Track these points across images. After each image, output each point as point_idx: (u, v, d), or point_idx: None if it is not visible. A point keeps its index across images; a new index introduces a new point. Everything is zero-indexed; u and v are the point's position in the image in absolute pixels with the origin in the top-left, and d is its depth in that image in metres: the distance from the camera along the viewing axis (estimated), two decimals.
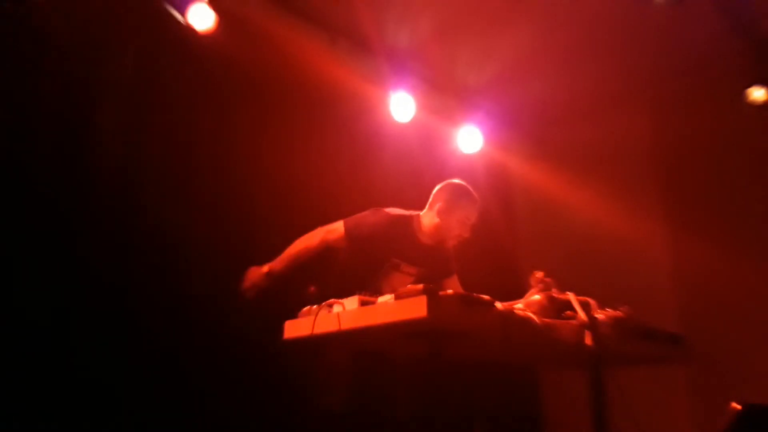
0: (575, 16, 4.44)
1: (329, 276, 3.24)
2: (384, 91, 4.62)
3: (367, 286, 2.85)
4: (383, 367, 3.31)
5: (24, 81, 3.24)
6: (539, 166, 5.89)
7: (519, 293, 2.96)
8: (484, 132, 5.28)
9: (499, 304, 2.64)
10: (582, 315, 2.65)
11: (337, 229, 3.20)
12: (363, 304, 2.51)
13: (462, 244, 3.33)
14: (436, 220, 3.22)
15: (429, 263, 3.27)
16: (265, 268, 3.18)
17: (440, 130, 5.32)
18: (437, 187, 3.30)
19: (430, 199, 3.28)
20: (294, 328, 2.75)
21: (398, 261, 3.21)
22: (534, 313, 2.67)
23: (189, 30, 3.72)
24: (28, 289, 3.06)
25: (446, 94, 5.31)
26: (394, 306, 2.39)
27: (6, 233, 3.05)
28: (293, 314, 2.84)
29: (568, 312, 2.73)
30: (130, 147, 3.59)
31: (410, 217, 3.27)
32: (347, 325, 2.51)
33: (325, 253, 3.24)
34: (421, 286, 2.34)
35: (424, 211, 3.29)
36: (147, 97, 3.71)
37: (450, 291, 2.41)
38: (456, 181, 3.31)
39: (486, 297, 2.53)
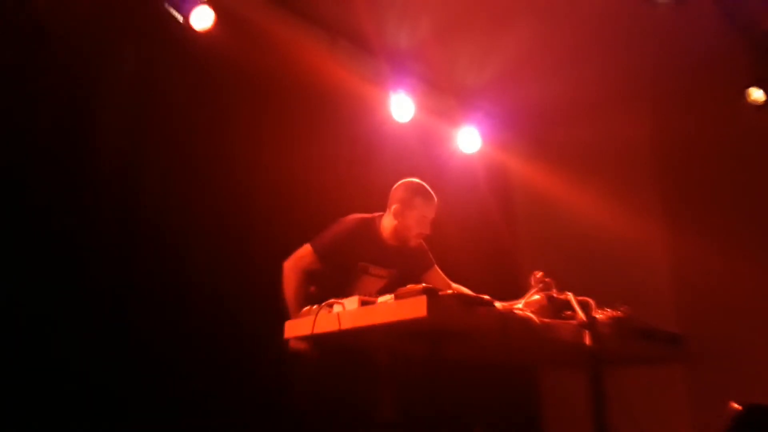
0: (575, 16, 4.45)
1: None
2: (384, 91, 4.62)
3: (340, 294, 2.81)
4: (383, 367, 3.31)
5: (24, 81, 3.24)
6: (539, 166, 5.89)
7: (519, 293, 2.96)
8: (483, 132, 5.28)
9: (499, 304, 2.64)
10: (581, 315, 2.65)
11: (306, 254, 3.15)
12: (363, 304, 2.51)
13: (449, 244, 3.32)
14: (394, 222, 3.21)
15: (399, 263, 3.26)
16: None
17: (440, 130, 5.32)
18: (393, 188, 3.29)
19: (389, 200, 3.27)
20: (294, 328, 2.75)
21: (366, 264, 3.19)
22: (533, 313, 2.68)
23: (189, 30, 3.72)
24: (28, 289, 3.06)
25: (446, 95, 5.31)
26: (394, 306, 2.39)
27: (6, 233, 3.05)
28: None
29: (568, 312, 2.73)
30: (130, 146, 3.59)
31: (373, 219, 3.27)
32: (347, 325, 2.51)
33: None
34: (421, 286, 2.35)
35: (385, 215, 3.28)
36: (147, 97, 3.71)
37: (450, 291, 2.41)
38: (410, 180, 3.30)
39: (486, 297, 2.53)
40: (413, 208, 3.20)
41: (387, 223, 3.25)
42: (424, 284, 2.35)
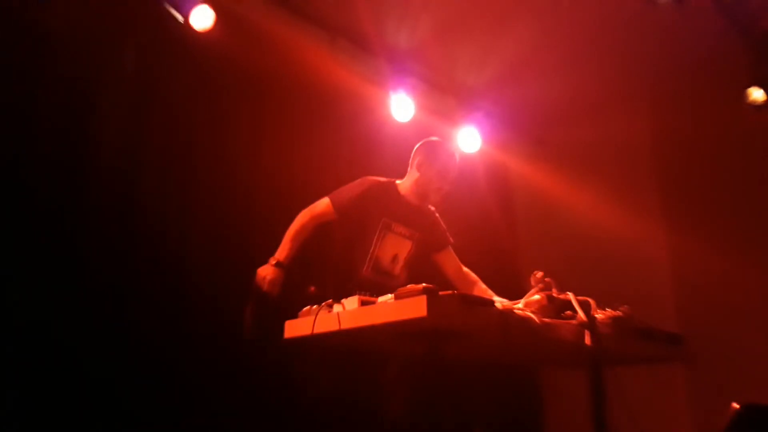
0: (575, 16, 4.44)
1: (329, 256, 3.30)
2: (384, 91, 4.62)
3: (364, 254, 3.09)
4: (382, 367, 3.31)
5: (24, 81, 3.24)
6: (539, 166, 5.90)
7: (519, 293, 2.96)
8: (483, 132, 5.28)
9: (499, 304, 2.64)
10: (581, 315, 2.65)
11: (322, 202, 3.25)
12: (363, 304, 2.51)
13: (449, 206, 3.46)
14: (417, 174, 3.32)
15: (419, 224, 3.36)
16: (272, 261, 3.14)
17: (440, 130, 5.31)
18: (415, 147, 3.40)
19: (410, 160, 3.38)
20: (294, 328, 2.75)
21: (388, 220, 3.26)
22: (534, 312, 2.67)
23: (189, 30, 3.72)
24: (27, 290, 3.06)
25: (446, 95, 5.31)
26: (394, 306, 2.39)
27: (5, 233, 3.05)
28: (293, 314, 2.84)
29: (568, 312, 2.73)
30: (130, 146, 3.59)
31: (390, 181, 3.38)
32: (347, 324, 2.51)
33: (319, 230, 3.27)
34: (421, 286, 2.35)
35: (406, 176, 3.40)
36: (147, 97, 3.71)
37: (450, 291, 2.41)
38: (432, 138, 3.44)
39: (486, 297, 2.53)
40: (437, 159, 3.31)
41: (408, 180, 3.36)
42: (424, 284, 2.35)
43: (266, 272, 3.11)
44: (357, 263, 3.21)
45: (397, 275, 3.32)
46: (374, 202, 3.24)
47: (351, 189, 3.28)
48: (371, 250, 3.22)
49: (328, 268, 3.26)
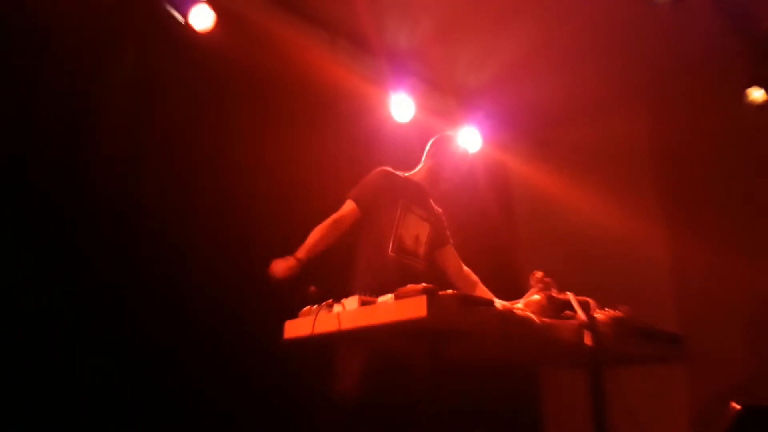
0: (575, 16, 4.45)
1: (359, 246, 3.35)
2: (384, 91, 4.62)
3: (388, 234, 3.24)
4: (382, 366, 3.31)
5: (24, 81, 3.24)
6: (539, 166, 5.90)
7: (519, 293, 2.96)
8: (483, 132, 5.28)
9: (498, 304, 2.64)
10: (581, 315, 2.65)
11: (345, 205, 3.32)
12: (363, 304, 2.51)
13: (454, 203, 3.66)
14: (431, 162, 3.54)
15: (430, 209, 3.49)
16: (294, 258, 3.11)
17: (440, 130, 5.30)
18: (431, 140, 3.62)
19: (426, 151, 3.59)
20: (294, 328, 2.75)
21: (407, 202, 3.37)
22: (533, 312, 2.68)
23: (189, 30, 3.72)
24: (29, 290, 3.06)
25: (446, 95, 5.31)
26: (394, 306, 2.39)
27: (6, 233, 3.05)
28: (293, 314, 2.84)
29: (568, 312, 2.73)
30: (130, 147, 3.59)
31: (402, 173, 3.52)
32: (347, 325, 2.51)
33: (344, 236, 3.31)
34: (421, 286, 2.35)
35: (419, 166, 3.58)
36: (147, 97, 3.71)
37: (450, 291, 2.41)
38: (449, 132, 3.75)
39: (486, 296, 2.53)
40: (452, 150, 3.57)
41: (421, 168, 3.55)
42: (424, 284, 2.35)
43: (285, 265, 3.07)
44: (382, 245, 3.28)
45: (422, 257, 3.40)
46: (392, 186, 3.37)
47: (367, 181, 3.39)
48: (393, 230, 3.30)
49: (357, 257, 3.33)
